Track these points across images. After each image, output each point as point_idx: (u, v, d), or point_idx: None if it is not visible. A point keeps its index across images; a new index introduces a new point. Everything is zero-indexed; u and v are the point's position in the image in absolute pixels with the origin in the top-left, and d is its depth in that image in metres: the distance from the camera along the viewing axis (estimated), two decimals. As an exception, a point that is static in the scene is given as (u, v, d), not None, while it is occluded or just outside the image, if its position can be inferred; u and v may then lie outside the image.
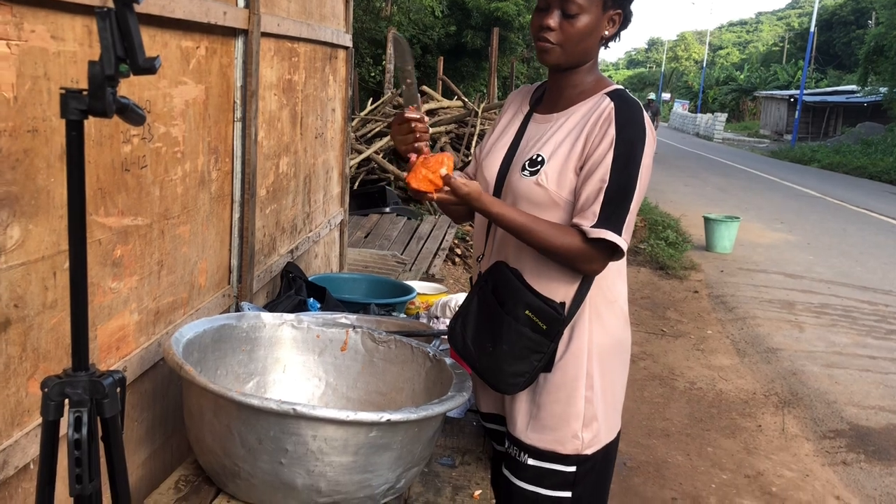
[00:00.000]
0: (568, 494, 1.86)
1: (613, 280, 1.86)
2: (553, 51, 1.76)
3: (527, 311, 1.78)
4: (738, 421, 4.72)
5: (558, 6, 1.73)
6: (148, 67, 1.10)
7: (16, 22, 1.43)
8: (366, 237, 7.07)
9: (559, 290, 1.80)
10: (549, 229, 1.73)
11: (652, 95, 22.72)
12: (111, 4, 1.10)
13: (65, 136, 1.17)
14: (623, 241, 1.70)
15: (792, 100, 34.36)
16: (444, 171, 1.70)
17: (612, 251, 1.72)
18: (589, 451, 1.85)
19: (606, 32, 1.78)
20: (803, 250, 10.11)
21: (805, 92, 32.05)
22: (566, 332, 1.82)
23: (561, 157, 1.76)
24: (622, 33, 1.83)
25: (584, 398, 1.83)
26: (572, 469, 1.85)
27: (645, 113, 1.77)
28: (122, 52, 1.08)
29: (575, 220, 1.72)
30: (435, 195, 1.71)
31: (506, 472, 1.94)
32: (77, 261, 1.15)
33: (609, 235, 1.68)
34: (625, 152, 1.70)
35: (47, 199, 1.56)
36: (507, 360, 1.81)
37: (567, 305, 1.79)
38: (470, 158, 9.16)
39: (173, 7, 1.94)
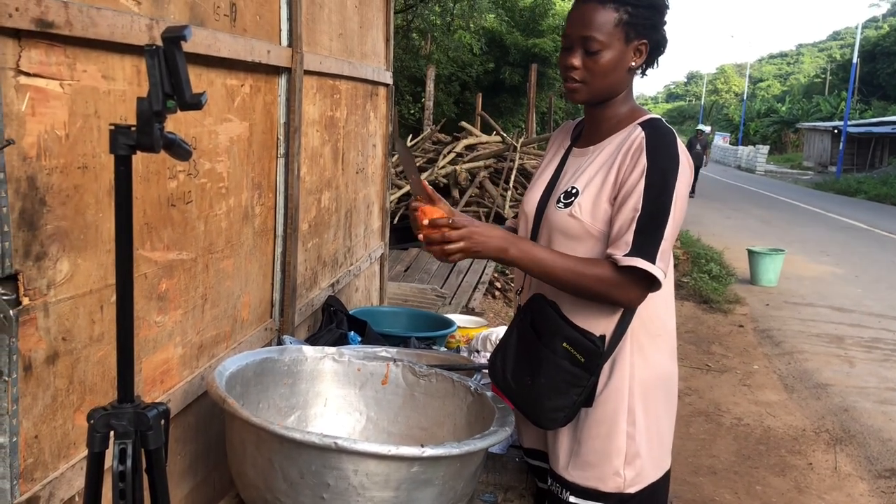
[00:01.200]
0: None
1: (658, 313, 1.82)
2: (579, 89, 1.77)
3: (564, 344, 1.76)
4: (788, 458, 4.59)
5: (580, 45, 1.73)
6: (195, 103, 1.12)
7: (69, 63, 1.47)
8: (405, 271, 7.09)
9: (599, 324, 1.78)
10: (578, 263, 1.71)
11: (702, 126, 21.08)
12: (160, 43, 1.13)
13: (113, 172, 1.20)
14: (658, 270, 1.66)
15: (836, 131, 33.87)
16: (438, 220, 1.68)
17: (649, 281, 1.69)
18: (632, 490, 1.79)
19: (633, 63, 1.77)
20: (851, 283, 9.88)
21: (849, 123, 31.57)
22: (607, 365, 1.79)
23: (594, 189, 1.76)
24: (659, 59, 1.82)
25: (625, 433, 1.78)
26: None
27: (678, 141, 1.75)
28: (170, 89, 1.11)
29: (608, 251, 1.70)
30: (451, 246, 1.67)
31: None
32: (124, 293, 1.17)
33: (641, 263, 1.65)
34: (657, 181, 1.68)
35: (95, 234, 1.59)
36: (546, 393, 1.79)
37: (608, 338, 1.77)
38: (508, 193, 9.17)
39: (219, 46, 1.99)
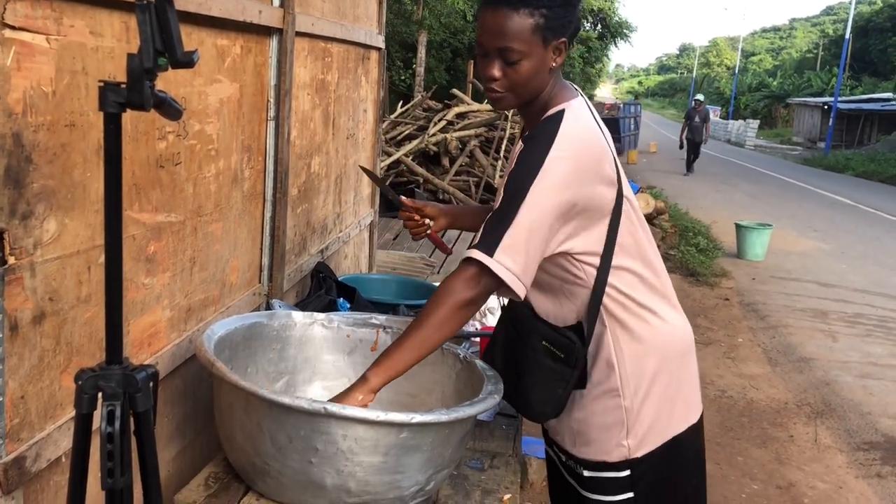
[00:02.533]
0: (630, 495, 1.85)
1: (634, 288, 1.79)
2: (503, 99, 1.71)
3: (543, 342, 1.79)
4: (770, 431, 4.65)
5: (497, 56, 1.64)
6: (186, 61, 1.09)
7: (55, 17, 1.44)
8: (394, 239, 7.07)
9: (571, 312, 1.79)
10: (417, 322, 1.65)
11: (700, 97, 19.09)
12: (150, -1, 1.10)
13: (102, 131, 1.17)
14: (495, 263, 1.57)
15: (826, 107, 33.88)
16: None
17: (489, 275, 1.60)
18: (639, 454, 1.82)
19: (554, 64, 1.69)
20: (837, 259, 9.95)
21: (839, 99, 31.56)
22: (592, 345, 1.80)
23: None
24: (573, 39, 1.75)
25: (621, 408, 1.81)
26: (626, 473, 1.84)
27: (556, 137, 1.62)
28: (161, 46, 1.08)
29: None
30: None
31: (572, 483, 1.94)
32: (112, 254, 1.15)
33: (475, 254, 1.59)
34: (512, 185, 1.63)
35: (83, 194, 1.57)
36: (532, 390, 1.83)
37: (585, 323, 1.77)
38: (499, 163, 9.14)
39: (210, 5, 1.95)
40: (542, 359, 1.79)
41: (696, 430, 1.93)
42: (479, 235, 1.63)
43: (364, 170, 2.28)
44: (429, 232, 2.17)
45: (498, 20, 1.61)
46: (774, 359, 6.04)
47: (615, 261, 1.75)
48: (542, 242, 1.63)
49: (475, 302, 1.65)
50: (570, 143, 1.64)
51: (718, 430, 4.59)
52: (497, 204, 1.66)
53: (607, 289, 1.76)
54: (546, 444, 2.09)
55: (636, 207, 1.83)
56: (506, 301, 1.92)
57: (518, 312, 1.86)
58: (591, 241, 1.73)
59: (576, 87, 1.83)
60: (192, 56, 1.10)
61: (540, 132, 1.67)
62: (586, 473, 1.87)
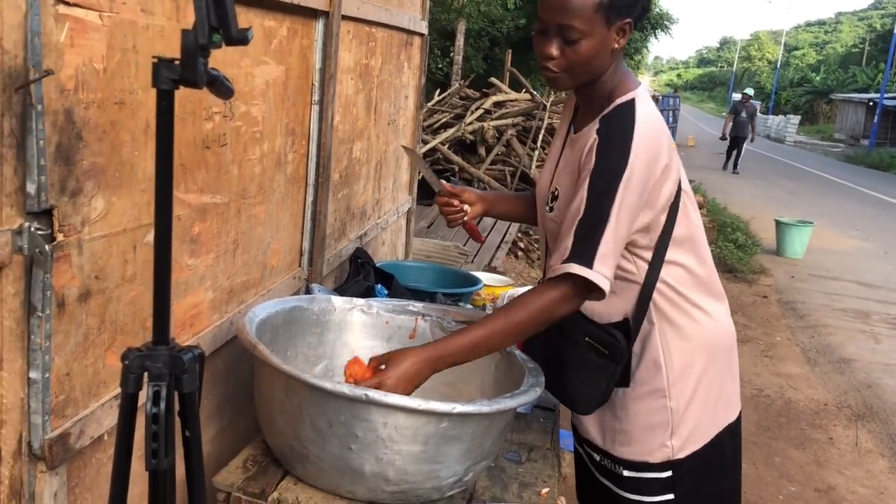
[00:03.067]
0: (670, 497, 1.81)
1: (684, 285, 1.75)
2: (559, 79, 1.64)
3: (586, 339, 1.75)
4: (808, 432, 4.56)
5: (557, 33, 1.58)
6: (241, 38, 1.08)
7: (108, -7, 1.43)
8: (429, 227, 7.06)
9: (618, 308, 1.74)
10: (508, 313, 1.62)
11: (749, 91, 17.80)
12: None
13: (150, 110, 1.16)
14: (596, 275, 1.54)
15: (871, 103, 33.14)
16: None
17: (585, 285, 1.57)
18: (682, 455, 1.79)
19: (617, 45, 1.62)
20: (880, 259, 9.74)
21: (886, 95, 30.85)
22: (638, 344, 1.77)
23: (565, 191, 1.68)
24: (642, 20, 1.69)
25: (667, 409, 1.77)
26: (668, 474, 1.80)
27: (637, 130, 1.58)
28: (216, 22, 1.06)
29: (549, 262, 1.64)
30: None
31: (607, 483, 1.90)
32: (162, 234, 1.14)
33: (573, 268, 1.55)
34: (599, 182, 1.56)
35: (131, 173, 1.56)
36: (575, 384, 1.81)
37: (632, 320, 1.73)
38: (535, 153, 9.07)
39: (259, -15, 1.93)
40: (586, 353, 1.76)
41: (734, 429, 1.89)
42: (569, 243, 1.56)
43: (406, 149, 2.25)
44: (465, 219, 2.13)
45: None
46: (813, 359, 5.93)
47: (668, 255, 1.71)
48: (624, 242, 1.62)
49: (570, 314, 1.65)
50: (648, 139, 1.59)
51: (755, 429, 4.51)
52: (579, 207, 1.58)
53: (658, 284, 1.72)
54: (576, 441, 2.05)
55: (692, 199, 1.78)
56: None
57: None
58: (649, 234, 1.69)
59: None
60: (246, 33, 1.09)
61: (616, 126, 1.61)
62: (626, 473, 1.84)
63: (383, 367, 1.65)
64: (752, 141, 17.86)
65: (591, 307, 1.75)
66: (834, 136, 38.81)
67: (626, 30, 1.62)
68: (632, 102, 1.64)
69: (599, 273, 1.54)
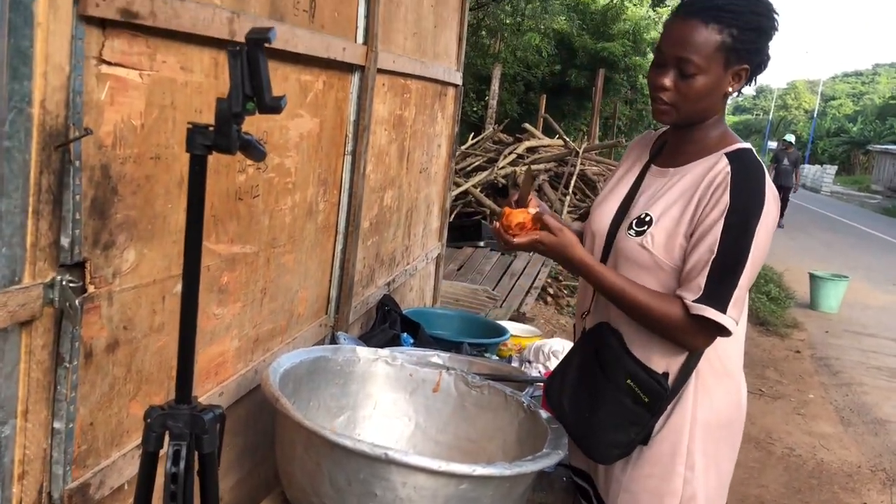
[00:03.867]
0: None
1: (728, 352, 1.73)
2: (668, 111, 1.65)
3: (628, 381, 1.69)
4: (841, 496, 4.43)
5: (675, 65, 1.60)
6: (274, 107, 1.10)
7: (150, 53, 1.47)
8: (458, 270, 7.06)
9: (663, 360, 1.69)
10: (648, 296, 1.63)
11: (790, 137, 16.40)
12: (241, 38, 1.11)
13: (185, 164, 1.19)
14: (728, 320, 1.58)
15: (909, 155, 32.74)
16: (532, 211, 1.66)
17: (717, 329, 1.61)
18: None
19: (730, 89, 1.64)
20: (917, 316, 9.51)
21: (924, 148, 30.46)
22: (668, 404, 1.72)
23: (671, 221, 1.65)
24: (757, 78, 1.70)
25: (682, 477, 1.71)
26: None
27: (767, 177, 1.62)
28: (251, 90, 1.09)
29: (679, 291, 1.62)
30: (518, 239, 1.66)
31: None
32: (189, 295, 1.16)
33: (710, 313, 1.57)
34: (737, 222, 1.57)
35: (163, 225, 1.59)
36: (603, 428, 1.73)
37: (672, 377, 1.69)
38: (567, 199, 9.07)
39: (296, 42, 1.98)
40: (623, 398, 1.69)
41: None
42: (702, 281, 1.58)
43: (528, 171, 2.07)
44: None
45: (685, 30, 1.58)
46: (847, 418, 5.78)
47: None
48: (752, 283, 1.64)
49: (700, 350, 1.67)
50: (772, 188, 1.63)
51: (785, 490, 4.40)
52: (713, 245, 1.58)
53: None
54: (580, 478, 1.97)
55: None
56: (589, 325, 1.83)
57: (606, 342, 1.74)
58: None
59: None
60: (279, 101, 1.11)
61: (749, 167, 1.63)
62: None
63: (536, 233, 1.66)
64: (795, 192, 16.58)
65: (639, 349, 1.70)
66: (871, 187, 38.33)
67: (741, 75, 1.64)
68: (752, 151, 1.68)
69: (731, 318, 1.58)
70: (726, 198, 1.58)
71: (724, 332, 1.61)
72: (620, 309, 1.68)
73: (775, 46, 1.68)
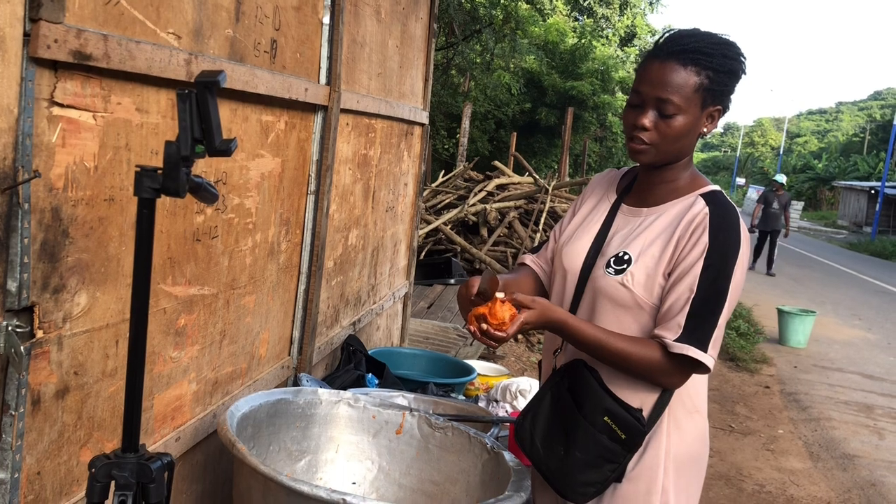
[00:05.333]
0: None
1: (697, 389, 1.74)
2: (647, 152, 1.67)
3: (606, 418, 1.67)
4: (811, 532, 4.43)
5: (654, 106, 1.63)
6: (224, 150, 1.09)
7: (104, 94, 1.46)
8: (429, 307, 7.04)
9: (637, 396, 1.69)
10: (626, 343, 1.64)
11: (781, 178, 15.13)
12: (195, 82, 1.11)
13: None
14: (709, 358, 1.60)
15: (873, 191, 33.45)
16: (506, 300, 1.61)
17: (695, 366, 1.62)
18: None
19: (705, 130, 1.69)
20: (884, 350, 9.63)
21: (887, 184, 31.14)
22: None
23: (650, 260, 1.67)
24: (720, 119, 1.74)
25: None
26: None
27: (741, 220, 1.67)
28: (200, 134, 1.08)
29: (657, 332, 1.63)
30: (510, 331, 1.60)
31: None
32: (136, 342, 1.13)
33: (692, 352, 1.59)
34: (716, 263, 1.60)
35: (117, 267, 1.57)
36: (578, 467, 1.70)
37: (646, 413, 1.69)
38: (537, 235, 9.12)
39: (256, 83, 1.97)
40: (599, 435, 1.68)
41: None
42: (682, 320, 1.59)
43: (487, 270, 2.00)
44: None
45: (664, 72, 1.62)
46: (816, 453, 5.80)
47: None
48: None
49: (677, 388, 1.68)
50: (746, 233, 1.67)
51: (756, 528, 4.38)
52: (692, 284, 1.60)
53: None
54: None
55: None
56: (560, 363, 1.81)
57: (583, 379, 1.73)
58: None
59: None
60: (229, 145, 1.10)
61: (725, 209, 1.66)
62: None
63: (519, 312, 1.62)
64: (786, 236, 15.08)
65: (615, 386, 1.69)
66: (837, 222, 39.05)
67: (714, 116, 1.69)
68: (723, 193, 1.72)
69: (711, 356, 1.60)
70: (705, 238, 1.62)
71: (702, 369, 1.63)
72: (598, 358, 1.68)
73: (742, 84, 1.73)
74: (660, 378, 1.64)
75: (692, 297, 1.59)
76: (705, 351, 1.59)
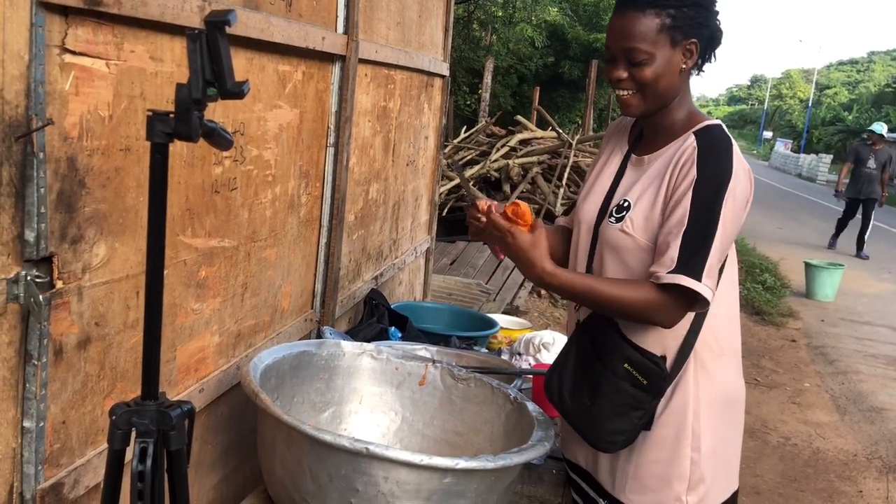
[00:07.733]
0: None
1: (722, 331, 1.72)
2: (632, 101, 1.67)
3: (626, 365, 1.67)
4: (837, 484, 4.42)
5: (623, 57, 1.64)
6: (236, 92, 1.07)
7: (116, 42, 1.43)
8: (451, 264, 7.03)
9: (660, 343, 1.68)
10: (616, 287, 1.62)
11: (878, 126, 11.25)
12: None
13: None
14: (704, 287, 1.56)
15: (904, 143, 32.76)
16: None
17: (692, 299, 1.58)
18: None
19: (684, 66, 1.66)
20: (913, 304, 9.51)
21: (919, 136, 30.45)
22: (670, 386, 1.70)
23: (647, 203, 1.66)
24: (716, 53, 1.71)
25: (689, 459, 1.69)
26: None
27: (734, 149, 1.63)
28: (211, 76, 1.05)
29: (651, 269, 1.61)
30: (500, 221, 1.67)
31: None
32: (153, 288, 1.12)
33: (685, 280, 1.55)
34: (705, 193, 1.57)
35: (135, 218, 1.56)
36: (606, 416, 1.70)
37: (669, 359, 1.67)
38: (561, 191, 9.04)
39: (272, 31, 1.94)
40: (621, 383, 1.67)
41: (735, 499, 1.82)
42: (675, 253, 1.57)
43: (453, 170, 2.12)
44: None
45: (625, 23, 1.62)
46: (843, 407, 5.77)
47: (717, 293, 1.64)
48: (725, 254, 1.64)
49: (673, 325, 1.64)
50: (743, 161, 1.63)
51: (781, 479, 4.38)
52: (682, 217, 1.58)
53: (705, 321, 1.68)
54: (576, 474, 1.93)
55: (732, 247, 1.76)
56: (582, 316, 1.81)
57: (602, 331, 1.73)
58: None
59: None
60: (241, 87, 1.08)
61: (716, 139, 1.64)
62: None
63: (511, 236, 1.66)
64: (880, 206, 11.45)
65: (636, 334, 1.69)
66: (867, 175, 38.32)
67: (692, 50, 1.65)
68: (721, 126, 1.69)
69: (707, 286, 1.56)
70: (693, 171, 1.60)
71: (699, 301, 1.58)
72: (594, 307, 1.68)
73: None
74: (656, 316, 1.61)
75: (683, 230, 1.57)
76: (699, 280, 1.55)
